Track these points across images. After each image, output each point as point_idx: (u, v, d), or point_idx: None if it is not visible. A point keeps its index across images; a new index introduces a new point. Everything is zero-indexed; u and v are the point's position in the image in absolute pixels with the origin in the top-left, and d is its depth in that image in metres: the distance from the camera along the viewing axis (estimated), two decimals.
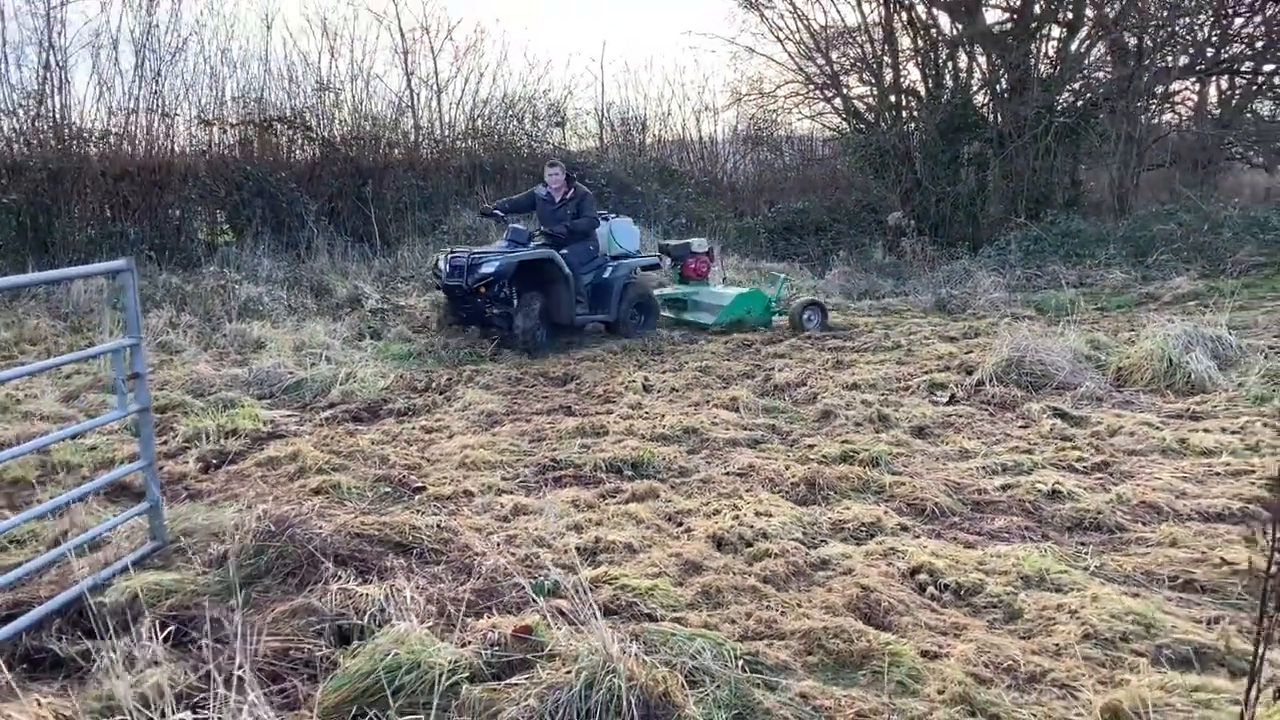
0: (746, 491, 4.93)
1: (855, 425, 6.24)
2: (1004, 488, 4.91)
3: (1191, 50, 17.33)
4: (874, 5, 17.97)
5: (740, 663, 2.99)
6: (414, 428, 6.47)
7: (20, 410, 6.69)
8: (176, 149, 14.25)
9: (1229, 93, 20.05)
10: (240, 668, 2.39)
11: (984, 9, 17.36)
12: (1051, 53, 17.39)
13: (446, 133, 17.12)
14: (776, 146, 21.63)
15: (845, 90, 18.90)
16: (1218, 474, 4.98)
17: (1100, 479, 5.05)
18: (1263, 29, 17.09)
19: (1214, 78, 18.93)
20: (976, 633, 3.34)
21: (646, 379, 7.69)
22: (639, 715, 2.60)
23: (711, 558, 4.03)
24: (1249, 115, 19.77)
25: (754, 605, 3.56)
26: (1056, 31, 17.29)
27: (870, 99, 18.80)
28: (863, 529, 4.42)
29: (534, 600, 3.28)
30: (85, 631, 3.30)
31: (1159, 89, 17.42)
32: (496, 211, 9.92)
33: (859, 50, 18.49)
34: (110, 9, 21.37)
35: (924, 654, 3.18)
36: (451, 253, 9.40)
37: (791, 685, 2.96)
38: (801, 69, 19.26)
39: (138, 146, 13.74)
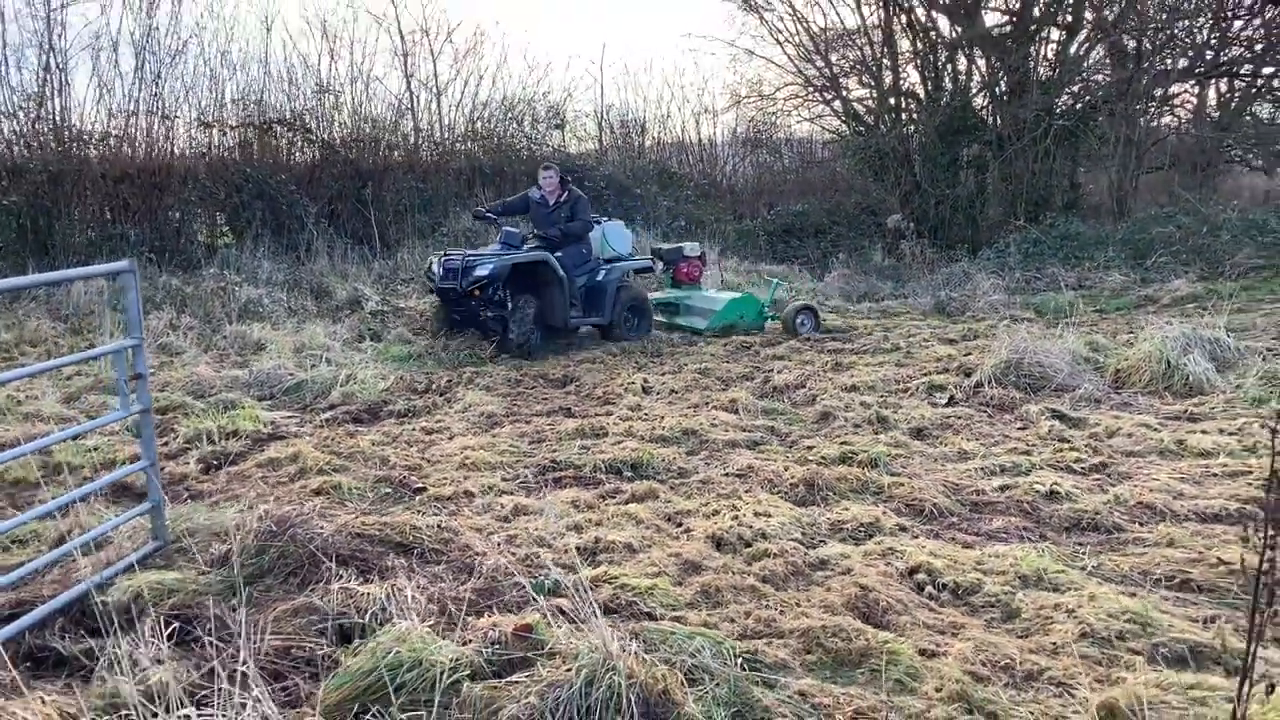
0: (746, 492, 4.95)
1: (854, 427, 6.26)
2: (1002, 488, 4.93)
3: (1191, 53, 17.36)
4: (873, 8, 18.03)
5: (739, 661, 3.01)
6: (414, 429, 6.49)
7: (21, 411, 6.70)
8: (176, 151, 14.28)
9: (1228, 95, 20.10)
10: (244, 664, 2.41)
11: (983, 12, 17.41)
12: (1051, 55, 17.43)
13: (446, 135, 17.15)
14: (776, 149, 21.67)
15: (844, 93, 18.94)
16: (1215, 475, 5.00)
17: (1098, 480, 5.07)
18: (1262, 32, 17.13)
19: (1213, 80, 18.98)
20: (974, 632, 3.36)
21: (646, 381, 7.71)
22: (639, 713, 2.62)
23: (711, 558, 4.05)
24: (1248, 118, 19.82)
25: (753, 604, 3.58)
26: (1055, 34, 17.33)
27: (869, 101, 18.84)
28: (861, 529, 4.44)
29: (534, 599, 3.30)
30: (88, 630, 3.33)
31: (1158, 92, 17.46)
32: (489, 214, 9.91)
33: (858, 53, 18.53)
34: (110, 11, 21.45)
35: (922, 652, 3.20)
36: (445, 255, 9.37)
37: (790, 683, 2.98)
38: (801, 71, 19.30)
39: (138, 149, 13.75)
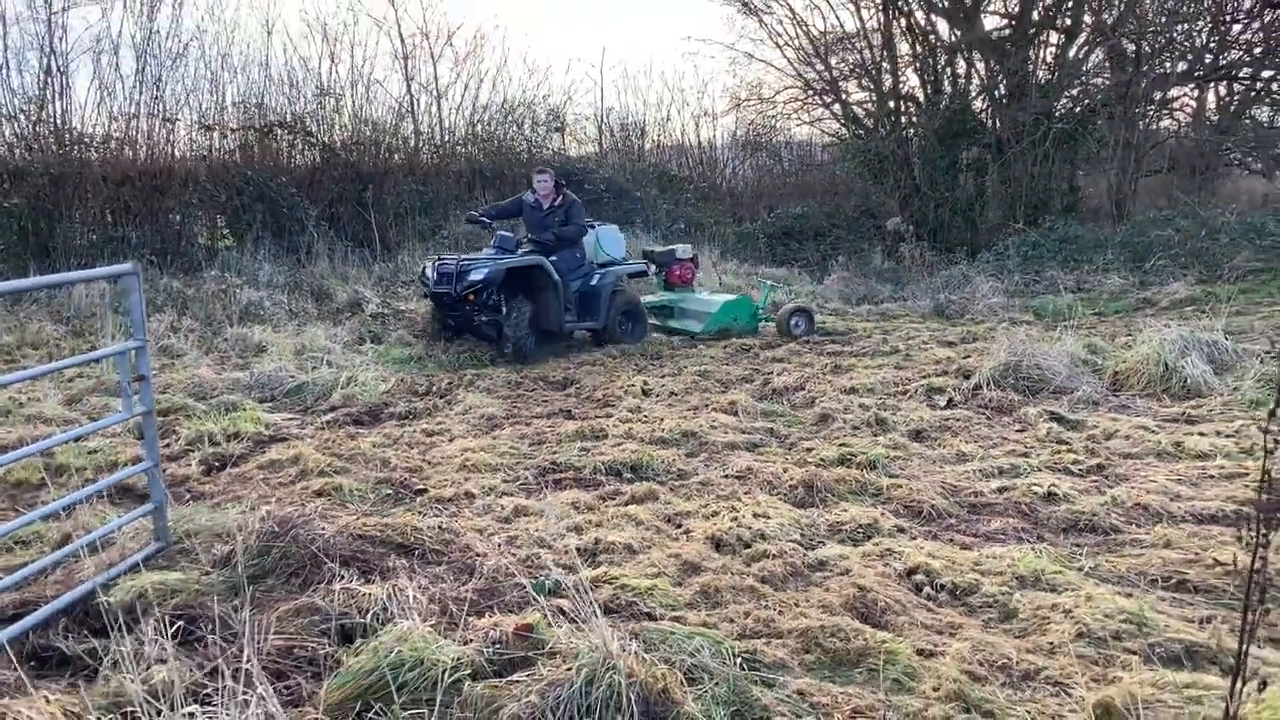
0: (745, 494, 4.97)
1: (853, 429, 6.29)
2: (1000, 490, 4.95)
3: (1190, 56, 17.41)
4: (873, 11, 18.09)
5: (738, 661, 3.03)
6: (415, 431, 6.51)
7: (23, 413, 6.73)
8: (177, 154, 14.30)
9: (1227, 99, 20.16)
10: (248, 662, 2.43)
11: (982, 15, 17.46)
12: (1050, 59, 17.50)
13: (446, 138, 17.18)
14: (775, 152, 21.73)
15: (844, 96, 19.00)
16: (1212, 477, 5.03)
17: (1095, 481, 5.09)
18: (1261, 35, 17.17)
19: (1212, 84, 19.04)
20: (972, 632, 3.38)
21: (645, 383, 7.74)
22: (638, 711, 2.64)
23: (710, 558, 4.07)
24: (1247, 121, 19.87)
25: (752, 605, 3.60)
26: (1055, 38, 17.39)
27: (869, 104, 18.89)
28: (860, 530, 4.46)
29: (535, 599, 3.33)
30: (92, 630, 3.35)
31: (1157, 95, 17.50)
32: (483, 218, 9.89)
33: (858, 56, 18.59)
34: (111, 14, 21.45)
35: (920, 652, 3.22)
36: (439, 260, 9.31)
37: (789, 683, 3.00)
38: (800, 75, 19.37)
39: (139, 151, 13.78)
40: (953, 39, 17.75)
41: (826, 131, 20.55)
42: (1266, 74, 17.98)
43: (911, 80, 18.49)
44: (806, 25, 18.91)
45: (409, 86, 16.51)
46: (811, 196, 19.98)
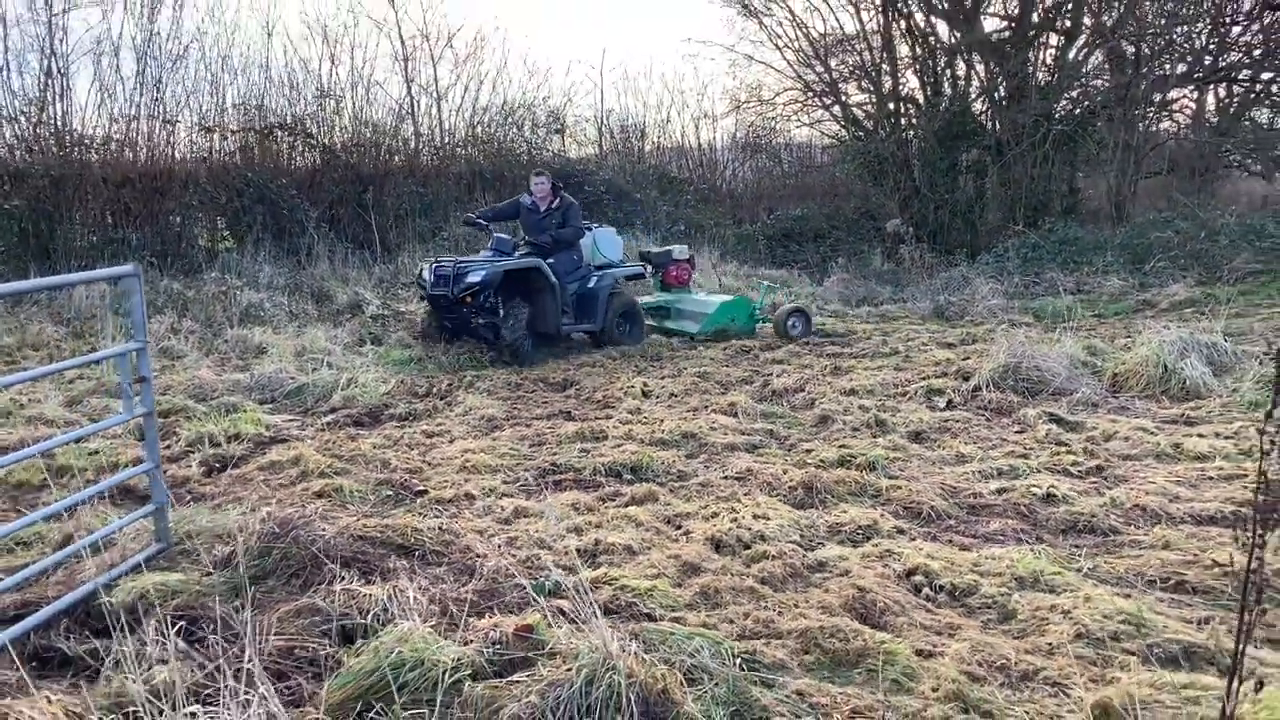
0: (745, 495, 4.98)
1: (853, 430, 6.30)
2: (999, 491, 4.96)
3: (1189, 58, 17.43)
4: (872, 13, 18.12)
5: (738, 661, 3.04)
6: (415, 432, 6.52)
7: (24, 414, 6.74)
8: (178, 156, 14.34)
9: (1227, 100, 20.17)
10: (250, 661, 2.44)
11: (982, 17, 17.49)
12: (1049, 61, 17.54)
13: (446, 140, 17.21)
14: (775, 154, 21.76)
15: (844, 98, 19.02)
16: (1211, 478, 5.04)
17: (1094, 483, 5.10)
18: (1260, 37, 17.21)
19: (1212, 86, 19.06)
20: (970, 632, 3.39)
21: (645, 384, 7.74)
22: (638, 712, 2.65)
23: (710, 559, 4.08)
24: (1247, 123, 19.89)
25: (751, 605, 3.61)
26: (1054, 40, 17.43)
27: (869, 106, 18.92)
28: (859, 532, 4.47)
29: (535, 600, 3.34)
30: (93, 631, 3.36)
31: (1157, 97, 17.53)
32: (480, 220, 9.85)
33: (858, 58, 18.62)
34: (112, 16, 21.46)
35: (919, 653, 3.23)
36: (436, 262, 9.25)
37: (788, 683, 3.01)
38: (800, 76, 19.40)
39: (139, 153, 13.82)
40: (952, 41, 17.79)
41: (826, 133, 20.61)
42: (1266, 76, 18.02)
43: (911, 82, 18.56)
44: (806, 27, 18.98)
45: (409, 88, 16.56)
46: (811, 198, 20.01)
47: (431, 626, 3.20)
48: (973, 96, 17.84)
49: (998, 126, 16.92)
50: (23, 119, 13.15)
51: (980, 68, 17.83)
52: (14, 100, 13.11)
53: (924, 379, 7.57)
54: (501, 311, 8.97)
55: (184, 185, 13.73)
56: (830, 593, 3.71)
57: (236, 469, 5.64)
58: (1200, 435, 5.76)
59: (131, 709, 2.63)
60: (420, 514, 4.68)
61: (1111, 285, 12.75)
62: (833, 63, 18.88)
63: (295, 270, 13.09)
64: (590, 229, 10.11)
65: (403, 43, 16.72)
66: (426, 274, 9.24)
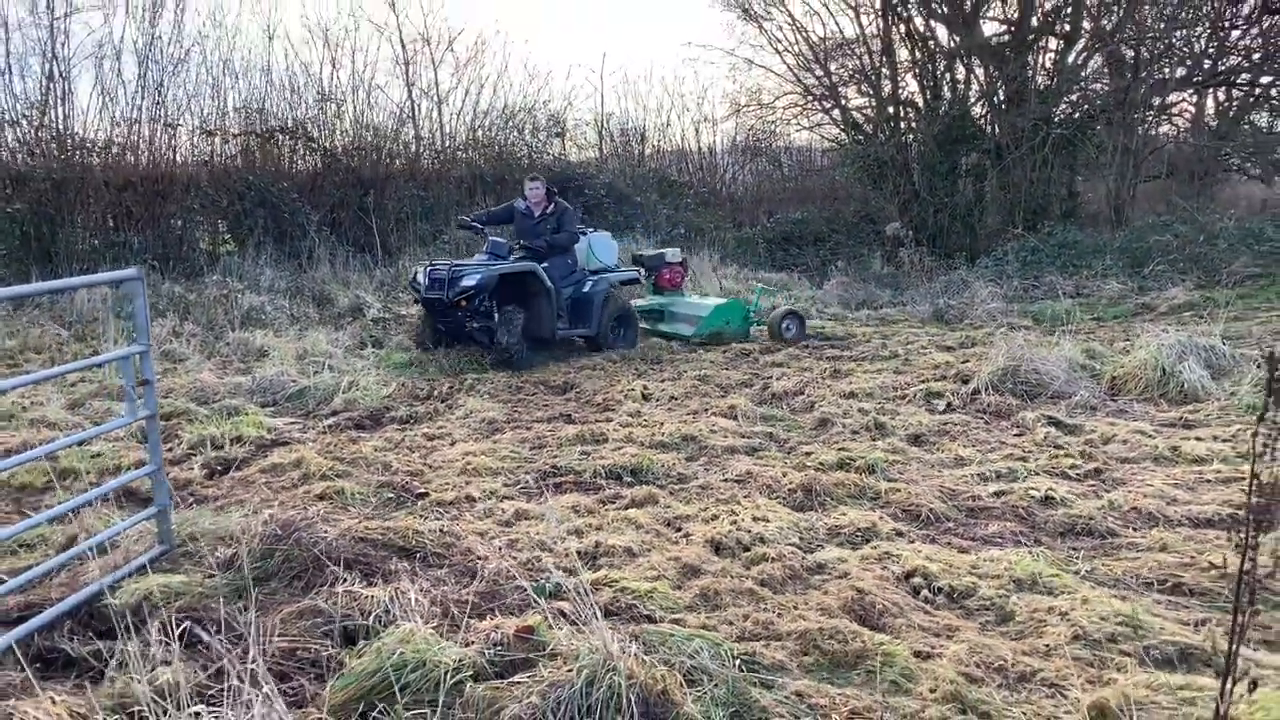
0: (744, 497, 5.00)
1: (852, 433, 6.32)
2: (998, 494, 4.98)
3: (1189, 62, 17.47)
4: (872, 17, 18.16)
5: (737, 662, 3.06)
6: (416, 435, 6.54)
7: (27, 417, 6.76)
8: (179, 159, 14.39)
9: (1226, 104, 20.19)
10: (254, 662, 2.46)
11: (981, 21, 17.52)
12: (1049, 65, 17.56)
13: (447, 143, 17.25)
14: (775, 157, 21.79)
15: (844, 101, 19.06)
16: (1208, 481, 5.06)
17: (1093, 485, 5.12)
18: (1260, 41, 17.25)
19: (1211, 89, 19.07)
20: (968, 634, 3.41)
21: (645, 387, 7.77)
22: (638, 712, 2.67)
23: (710, 561, 4.10)
24: (1246, 127, 19.90)
25: (751, 607, 3.63)
26: (1054, 43, 17.46)
27: (868, 110, 18.95)
28: (858, 534, 4.49)
29: (536, 602, 3.35)
30: (96, 632, 3.38)
31: (1156, 101, 17.56)
32: (474, 224, 9.82)
33: (857, 62, 18.66)
34: (113, 20, 21.52)
35: (917, 654, 3.25)
36: (431, 266, 9.18)
37: (787, 684, 3.03)
38: (800, 80, 19.43)
39: (140, 157, 13.86)
40: (952, 45, 17.82)
41: (826, 137, 20.62)
42: (1265, 79, 18.04)
43: (911, 86, 18.59)
44: (806, 31, 19.02)
45: (410, 92, 16.60)
46: (811, 202, 20.03)
47: (433, 628, 3.22)
48: (972, 100, 17.88)
49: (997, 130, 16.95)
50: (24, 122, 13.20)
51: (980, 72, 17.87)
52: (16, 104, 13.18)
53: (923, 382, 7.59)
54: (497, 315, 8.92)
55: (185, 189, 13.77)
56: (829, 594, 3.73)
57: (238, 471, 5.67)
58: (1198, 438, 5.79)
59: (136, 709, 2.65)
60: (421, 516, 4.70)
61: (1110, 289, 12.78)
62: (832, 67, 18.93)
63: (296, 274, 13.12)
64: (585, 233, 10.10)
65: (403, 46, 16.79)
66: (421, 277, 9.17)
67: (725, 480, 5.36)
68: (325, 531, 4.12)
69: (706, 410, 7.00)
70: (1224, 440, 5.72)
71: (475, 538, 4.35)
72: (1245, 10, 17.08)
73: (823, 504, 4.93)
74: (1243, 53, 17.59)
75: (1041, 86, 17.08)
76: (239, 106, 15.05)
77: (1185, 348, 7.18)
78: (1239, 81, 18.44)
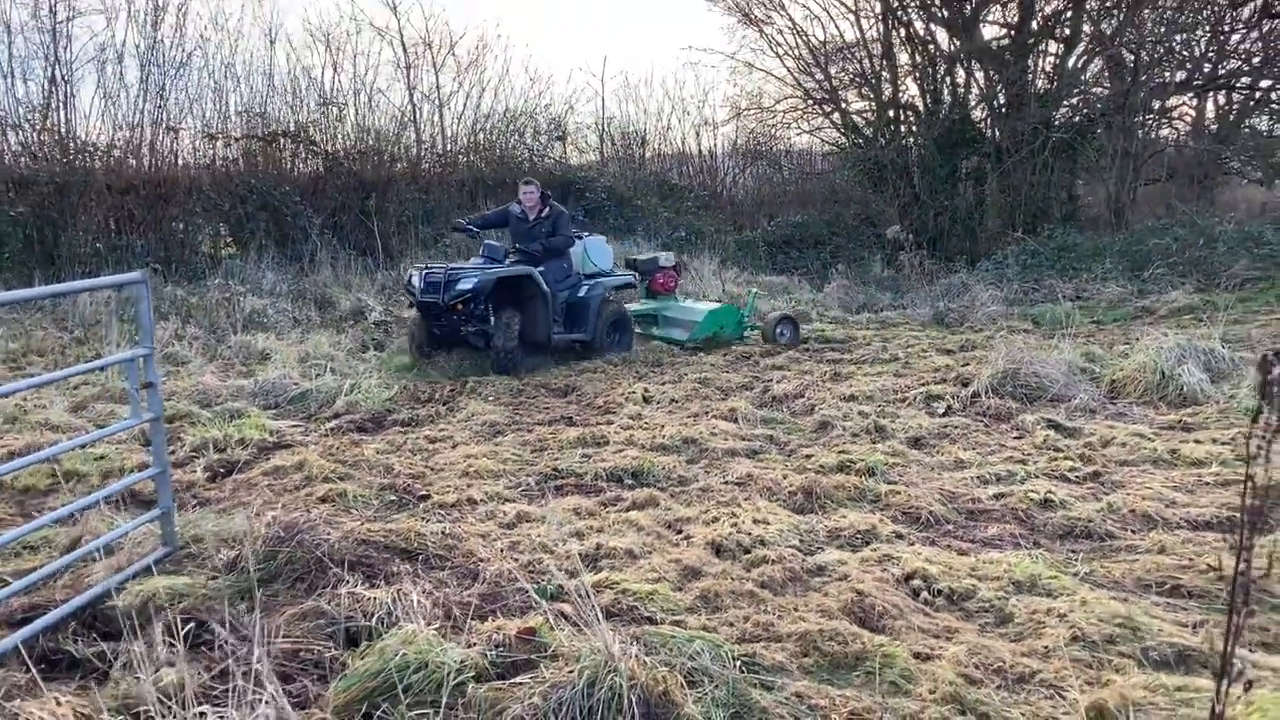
0: (745, 500, 5.02)
1: (852, 436, 6.33)
2: (997, 496, 5.00)
3: (1189, 66, 17.50)
4: (872, 21, 18.20)
5: (738, 664, 3.08)
6: (418, 438, 6.56)
7: (30, 420, 6.79)
8: (181, 163, 14.44)
9: (1226, 108, 20.22)
10: (258, 662, 2.48)
11: (981, 25, 17.56)
12: (1049, 68, 17.58)
13: (449, 147, 17.29)
14: (775, 161, 21.80)
15: (844, 105, 19.08)
16: (1207, 483, 5.08)
17: (1092, 488, 5.14)
18: (1259, 44, 17.27)
19: (1211, 93, 19.09)
20: (968, 635, 3.43)
21: (646, 390, 7.78)
22: (639, 713, 2.69)
23: (710, 564, 4.12)
24: (1246, 130, 19.92)
25: (751, 609, 3.65)
26: (1054, 47, 17.49)
27: (869, 114, 18.98)
28: (858, 536, 4.50)
29: (537, 603, 3.37)
30: (101, 634, 3.40)
31: (1156, 104, 17.57)
32: (469, 227, 9.73)
33: (857, 66, 18.69)
34: (116, 24, 21.54)
35: (916, 655, 3.27)
36: (427, 269, 9.10)
37: (787, 685, 3.04)
38: (800, 84, 19.46)
39: (142, 160, 13.90)
40: (952, 49, 17.85)
41: (826, 140, 20.64)
42: (1265, 83, 18.06)
43: (911, 89, 18.63)
44: (806, 35, 19.04)
45: (411, 96, 16.65)
46: (811, 205, 20.05)
47: (435, 629, 3.23)
48: (972, 104, 17.91)
49: (997, 134, 16.98)
50: (27, 126, 13.24)
51: (980, 75, 17.91)
52: (19, 107, 13.23)
53: (923, 385, 7.61)
54: (492, 319, 8.86)
55: (187, 192, 13.80)
56: (829, 596, 3.75)
57: (241, 474, 5.69)
58: (1197, 441, 5.81)
59: (141, 710, 2.67)
60: (423, 518, 4.72)
61: (1110, 292, 12.80)
62: (833, 70, 18.96)
63: (298, 277, 13.15)
64: (580, 237, 10.06)
65: (405, 50, 16.82)
66: (416, 280, 9.08)
67: (726, 483, 5.38)
68: (328, 533, 4.14)
69: (707, 413, 7.02)
70: (1223, 443, 5.74)
71: (477, 540, 4.37)
72: (1245, 14, 17.14)
73: (823, 506, 4.95)
74: (1242, 56, 17.63)
75: (1041, 90, 17.11)
76: (241, 110, 15.12)
77: (1185, 351, 7.20)
78: (1239, 85, 18.47)
